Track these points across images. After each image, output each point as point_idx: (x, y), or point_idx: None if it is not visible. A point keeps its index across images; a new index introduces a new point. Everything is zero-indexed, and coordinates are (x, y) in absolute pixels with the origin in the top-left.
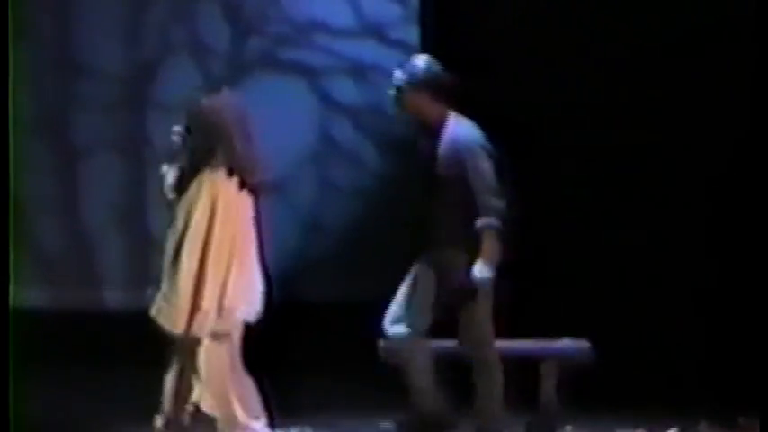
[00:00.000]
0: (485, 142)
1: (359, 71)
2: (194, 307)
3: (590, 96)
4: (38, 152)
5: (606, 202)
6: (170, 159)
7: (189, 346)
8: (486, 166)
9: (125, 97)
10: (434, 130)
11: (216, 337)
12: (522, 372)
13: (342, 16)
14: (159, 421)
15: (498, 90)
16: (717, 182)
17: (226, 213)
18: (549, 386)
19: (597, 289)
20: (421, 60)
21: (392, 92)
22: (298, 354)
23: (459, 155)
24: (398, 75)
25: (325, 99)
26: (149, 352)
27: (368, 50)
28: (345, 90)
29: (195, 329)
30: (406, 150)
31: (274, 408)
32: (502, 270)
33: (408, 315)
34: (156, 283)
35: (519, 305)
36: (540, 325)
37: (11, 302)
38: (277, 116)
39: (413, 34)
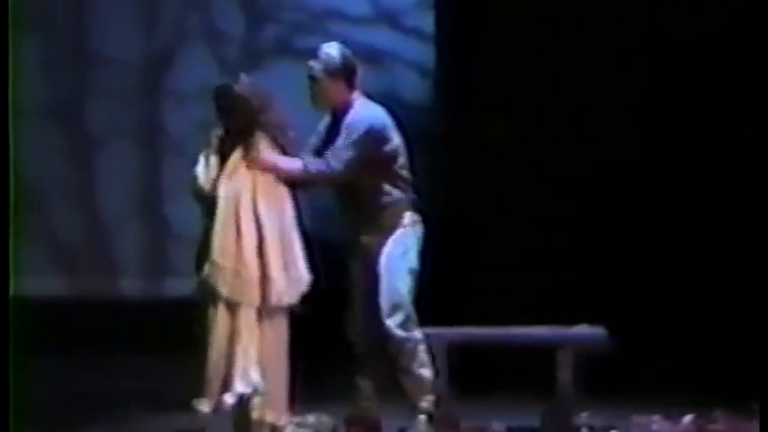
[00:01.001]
0: (385, 125)
1: (374, 58)
2: (263, 276)
3: (609, 84)
4: (54, 141)
5: (625, 187)
6: (207, 150)
7: (248, 320)
8: (373, 147)
9: (140, 86)
10: (341, 113)
11: (280, 310)
12: (539, 359)
13: (357, 3)
14: (206, 406)
15: (513, 76)
16: (738, 167)
17: (267, 186)
18: (565, 373)
19: (614, 276)
20: (334, 49)
21: (309, 83)
22: (314, 342)
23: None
24: (314, 65)
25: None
26: (166, 341)
27: (383, 37)
28: (360, 77)
29: (268, 299)
30: (421, 137)
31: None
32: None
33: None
34: (198, 267)
35: (535, 293)
36: (556, 312)
37: (25, 291)
38: (292, 103)
39: (428, 21)
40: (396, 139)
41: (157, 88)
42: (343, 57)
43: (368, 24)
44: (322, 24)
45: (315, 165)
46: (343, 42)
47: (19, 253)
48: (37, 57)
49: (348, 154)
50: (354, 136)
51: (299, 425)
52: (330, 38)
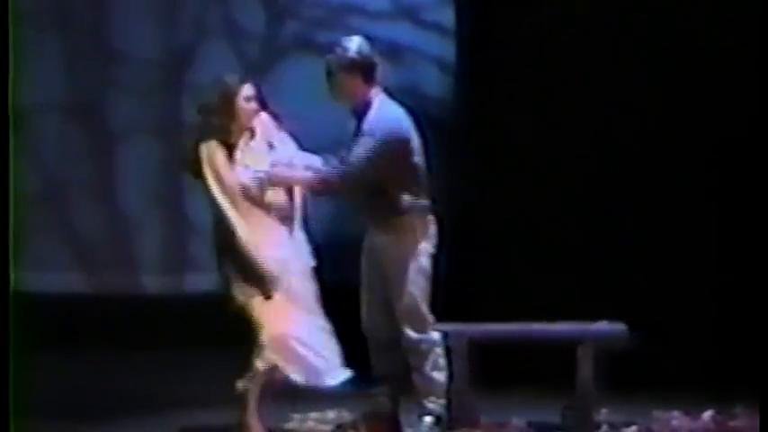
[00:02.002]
0: (404, 128)
1: (394, 53)
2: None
3: (633, 79)
4: (75, 137)
5: (647, 183)
6: None
7: None
8: (392, 152)
9: (161, 81)
10: (361, 112)
11: None
12: (559, 355)
13: None
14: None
15: (533, 71)
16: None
17: None
18: (585, 369)
19: (634, 272)
20: (351, 43)
21: (326, 77)
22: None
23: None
24: (331, 59)
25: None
26: (187, 336)
27: (403, 33)
28: (381, 72)
29: None
30: (442, 132)
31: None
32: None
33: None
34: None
35: (555, 289)
36: (576, 308)
37: (45, 288)
38: (312, 99)
39: (448, 16)
40: (415, 141)
41: (178, 84)
42: (360, 52)
43: (388, 19)
44: (342, 20)
45: (329, 171)
46: (365, 37)
47: (39, 249)
48: (59, 53)
49: (366, 159)
50: (373, 142)
51: (318, 421)
52: (350, 33)
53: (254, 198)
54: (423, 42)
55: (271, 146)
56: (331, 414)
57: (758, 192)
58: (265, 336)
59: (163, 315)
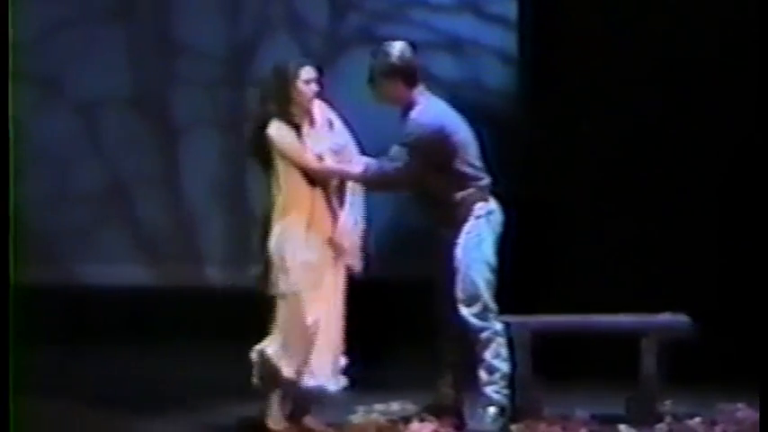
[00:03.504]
0: (440, 127)
1: (457, 46)
2: None
3: (694, 68)
4: (140, 130)
5: (707, 175)
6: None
7: None
8: (428, 151)
9: (224, 75)
10: (404, 112)
11: None
12: (623, 347)
13: None
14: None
15: (595, 63)
16: None
17: None
18: (649, 361)
19: (698, 263)
20: (394, 48)
21: (368, 81)
22: (400, 330)
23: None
24: (372, 64)
25: (423, 74)
26: (252, 328)
27: (466, 25)
28: (443, 65)
29: None
30: (504, 124)
31: (378, 382)
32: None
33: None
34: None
35: (619, 280)
36: (639, 300)
37: (108, 280)
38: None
39: (511, 8)
40: (458, 137)
41: (242, 77)
42: (401, 57)
43: (451, 12)
44: (405, 12)
45: (372, 169)
46: (409, 41)
47: (106, 242)
48: (124, 48)
49: (402, 158)
50: (408, 140)
51: (382, 413)
52: (413, 26)
53: (318, 182)
54: (485, 34)
55: (331, 124)
56: (395, 406)
57: None
58: (289, 330)
59: (227, 307)
